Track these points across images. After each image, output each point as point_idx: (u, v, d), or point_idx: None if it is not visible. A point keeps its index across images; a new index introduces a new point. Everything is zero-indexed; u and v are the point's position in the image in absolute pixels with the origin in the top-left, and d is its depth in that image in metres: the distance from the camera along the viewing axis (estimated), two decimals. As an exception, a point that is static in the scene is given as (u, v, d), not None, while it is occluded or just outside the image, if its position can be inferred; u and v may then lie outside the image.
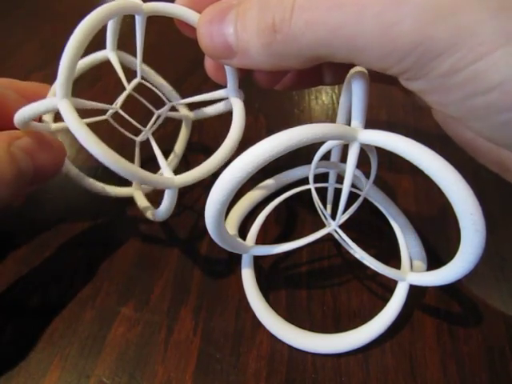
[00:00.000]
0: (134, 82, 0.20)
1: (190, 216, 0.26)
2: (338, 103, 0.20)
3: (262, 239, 0.24)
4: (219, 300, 0.22)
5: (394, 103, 0.34)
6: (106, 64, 0.24)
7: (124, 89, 0.20)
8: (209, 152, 0.21)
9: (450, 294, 0.22)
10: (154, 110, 0.22)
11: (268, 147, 0.14)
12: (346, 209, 0.19)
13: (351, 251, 0.20)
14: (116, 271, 0.23)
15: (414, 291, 0.20)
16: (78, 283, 0.22)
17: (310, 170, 0.20)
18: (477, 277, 0.22)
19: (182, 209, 0.26)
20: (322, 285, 0.22)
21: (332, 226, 0.20)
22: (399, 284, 0.20)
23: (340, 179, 0.24)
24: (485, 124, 0.13)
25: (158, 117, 0.22)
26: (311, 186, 0.20)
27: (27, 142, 0.18)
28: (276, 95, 0.36)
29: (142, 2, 0.18)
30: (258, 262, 0.23)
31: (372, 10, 0.11)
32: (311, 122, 0.24)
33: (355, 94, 0.17)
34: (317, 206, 0.21)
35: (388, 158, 0.28)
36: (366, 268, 0.20)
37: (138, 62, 0.20)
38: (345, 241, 0.20)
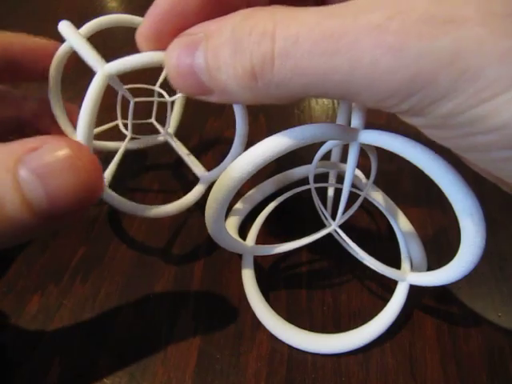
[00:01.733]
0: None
1: (191, 216, 0.26)
2: (338, 103, 0.20)
3: (262, 239, 0.24)
4: (219, 300, 0.22)
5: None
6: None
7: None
8: (210, 151, 0.21)
9: (450, 294, 0.22)
10: (166, 96, 0.22)
11: (268, 147, 0.14)
12: (346, 209, 0.19)
13: (351, 251, 0.20)
14: (116, 271, 0.23)
15: (414, 291, 0.20)
16: (78, 283, 0.22)
17: (310, 170, 0.20)
18: (477, 277, 0.22)
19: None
20: (322, 285, 0.22)
21: (332, 226, 0.20)
22: (399, 284, 0.20)
23: (340, 179, 0.24)
24: (484, 158, 0.12)
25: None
26: (311, 186, 0.20)
27: (44, 162, 0.12)
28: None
29: (101, 64, 0.17)
30: (258, 262, 0.23)
31: (369, 57, 0.11)
32: (311, 122, 0.25)
33: None
34: (317, 206, 0.21)
35: (388, 158, 0.28)
36: (366, 268, 0.20)
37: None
38: (345, 241, 0.20)
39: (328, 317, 0.21)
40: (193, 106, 0.27)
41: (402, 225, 0.23)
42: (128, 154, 0.27)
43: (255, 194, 0.25)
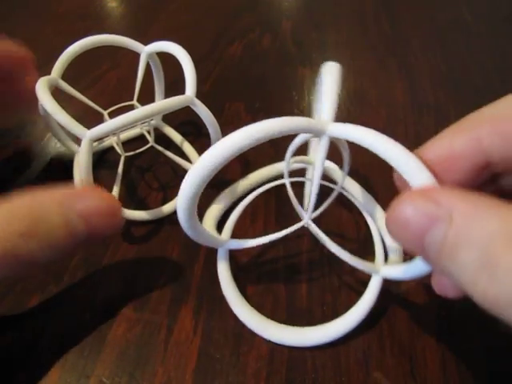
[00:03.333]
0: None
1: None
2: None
3: (242, 235, 0.24)
4: (219, 300, 0.21)
5: (394, 103, 0.34)
6: (106, 63, 0.24)
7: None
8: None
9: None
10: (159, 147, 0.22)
11: (236, 139, 0.14)
12: (321, 203, 0.19)
13: (325, 245, 0.20)
14: (116, 271, 0.23)
15: (414, 291, 0.20)
16: (78, 283, 0.22)
17: (284, 165, 0.20)
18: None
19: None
20: (321, 284, 0.22)
21: (304, 220, 0.20)
22: (373, 277, 0.20)
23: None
24: None
25: None
26: (286, 180, 0.20)
27: (85, 207, 0.17)
28: (276, 95, 0.36)
29: (84, 132, 0.20)
30: (258, 262, 0.23)
31: None
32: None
33: (325, 85, 0.17)
34: (292, 200, 0.21)
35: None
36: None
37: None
38: (318, 234, 0.19)
39: (328, 316, 0.21)
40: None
41: (379, 219, 0.23)
42: (127, 155, 0.27)
43: (235, 190, 0.25)
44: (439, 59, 0.39)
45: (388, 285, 0.22)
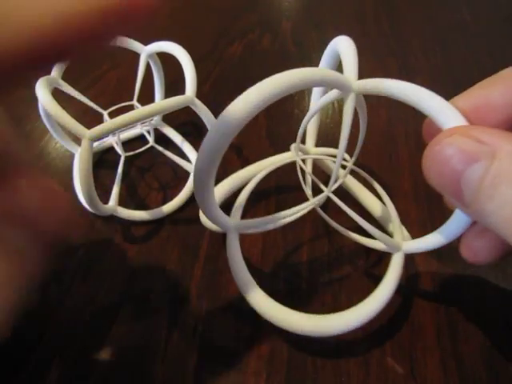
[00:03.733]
0: None
1: (190, 216, 0.26)
2: (338, 103, 0.20)
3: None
4: (219, 300, 0.22)
5: (393, 103, 0.33)
6: (106, 63, 0.24)
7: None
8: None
9: (450, 293, 0.22)
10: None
11: (265, 88, 0.12)
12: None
13: (338, 228, 0.20)
14: (116, 271, 0.23)
15: (414, 291, 0.20)
16: (78, 283, 0.22)
17: (296, 141, 0.19)
18: (477, 277, 0.22)
19: (181, 208, 0.26)
20: (321, 284, 0.22)
21: (325, 193, 0.19)
22: (394, 255, 0.19)
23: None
24: None
25: None
26: (297, 158, 0.20)
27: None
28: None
29: (84, 131, 0.19)
30: (258, 262, 0.23)
31: None
32: (305, 142, 0.25)
33: (345, 50, 0.17)
34: (300, 178, 0.20)
35: (388, 157, 0.28)
36: (367, 267, 0.20)
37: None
38: (341, 205, 0.19)
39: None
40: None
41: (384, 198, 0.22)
42: (127, 155, 0.27)
43: (243, 174, 0.24)
44: (439, 59, 0.39)
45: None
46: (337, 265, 0.23)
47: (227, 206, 0.22)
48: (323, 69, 0.13)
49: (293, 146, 0.21)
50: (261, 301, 0.18)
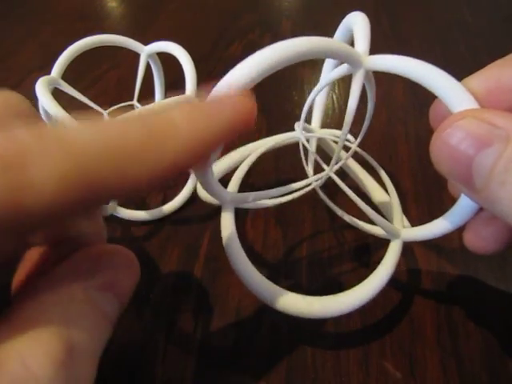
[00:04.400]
0: None
1: (190, 216, 0.26)
2: (338, 103, 0.19)
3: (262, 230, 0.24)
4: (219, 300, 0.22)
5: (393, 103, 0.34)
6: (106, 63, 0.24)
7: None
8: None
9: (450, 293, 0.22)
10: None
11: (278, 50, 0.12)
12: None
13: (337, 211, 0.19)
14: (116, 271, 0.23)
15: (414, 291, 0.20)
16: (78, 283, 0.22)
17: (301, 120, 0.18)
18: (477, 277, 0.22)
19: (181, 208, 0.26)
20: (322, 282, 0.22)
21: (326, 172, 0.19)
22: (392, 242, 0.18)
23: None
24: None
25: None
26: (300, 135, 0.19)
27: (107, 275, 0.12)
28: (276, 95, 0.36)
29: None
30: (258, 262, 0.23)
31: None
32: (311, 122, 0.25)
33: (358, 25, 0.16)
34: (303, 158, 0.20)
35: (388, 157, 0.28)
36: (367, 262, 0.20)
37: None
38: (341, 186, 0.18)
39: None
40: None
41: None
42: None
43: (246, 149, 0.23)
44: (439, 59, 0.39)
45: (387, 285, 0.22)
46: (337, 262, 0.23)
47: (226, 183, 0.21)
48: (334, 40, 0.13)
49: (297, 124, 0.20)
50: (252, 277, 0.17)
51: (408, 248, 0.23)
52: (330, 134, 0.25)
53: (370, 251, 0.23)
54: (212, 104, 0.10)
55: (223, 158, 0.23)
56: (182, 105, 0.10)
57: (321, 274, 0.23)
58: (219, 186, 0.17)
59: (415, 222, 0.24)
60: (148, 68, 0.28)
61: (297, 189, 0.19)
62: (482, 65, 0.13)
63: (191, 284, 0.22)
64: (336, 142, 0.23)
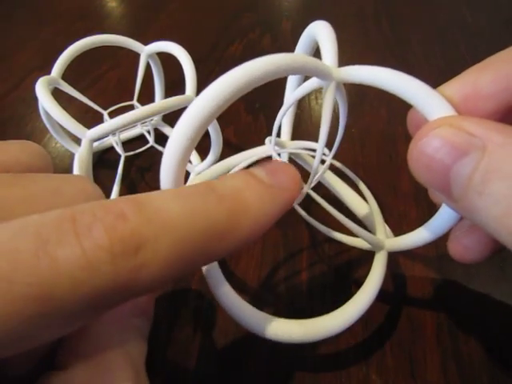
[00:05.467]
0: None
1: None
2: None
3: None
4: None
5: (393, 103, 0.34)
6: (106, 63, 0.24)
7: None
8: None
9: (450, 294, 0.22)
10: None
11: (242, 72, 0.11)
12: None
13: (320, 228, 0.19)
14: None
15: (414, 291, 0.20)
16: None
17: (273, 134, 0.18)
18: (477, 277, 0.22)
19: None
20: (322, 282, 0.22)
21: (304, 189, 0.18)
22: (377, 254, 0.18)
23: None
24: None
25: None
26: (272, 152, 0.19)
27: (140, 306, 0.15)
28: (276, 95, 0.36)
29: (84, 131, 0.19)
30: (258, 262, 0.23)
31: None
32: (311, 122, 0.25)
33: (323, 35, 0.15)
34: None
35: (388, 157, 0.28)
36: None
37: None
38: (320, 202, 0.18)
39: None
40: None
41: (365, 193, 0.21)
42: (126, 156, 0.27)
43: (228, 163, 0.22)
44: (439, 59, 0.39)
45: (387, 285, 0.22)
46: (337, 262, 0.23)
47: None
48: (301, 54, 0.13)
49: (268, 140, 0.20)
50: (232, 301, 0.17)
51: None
52: (301, 146, 0.24)
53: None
54: (275, 187, 0.12)
55: (189, 180, 0.22)
56: (252, 183, 0.11)
57: (321, 272, 0.23)
58: None
59: (415, 222, 0.24)
60: (148, 68, 0.28)
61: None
62: (482, 65, 0.12)
63: (191, 284, 0.22)
64: (312, 156, 0.23)
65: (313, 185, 0.18)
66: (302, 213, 0.19)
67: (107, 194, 0.25)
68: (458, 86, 0.13)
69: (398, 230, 0.20)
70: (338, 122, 0.16)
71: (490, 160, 0.10)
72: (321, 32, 0.16)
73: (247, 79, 0.11)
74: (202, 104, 0.11)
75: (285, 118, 0.24)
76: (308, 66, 0.12)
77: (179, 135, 0.11)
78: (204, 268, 0.18)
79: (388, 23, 0.46)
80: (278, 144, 0.23)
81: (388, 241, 0.18)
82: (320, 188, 0.23)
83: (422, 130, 0.12)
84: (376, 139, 0.30)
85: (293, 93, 0.17)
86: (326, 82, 0.14)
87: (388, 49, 0.41)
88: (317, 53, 0.16)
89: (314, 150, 0.22)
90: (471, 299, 0.21)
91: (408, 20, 0.46)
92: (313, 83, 0.15)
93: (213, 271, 0.18)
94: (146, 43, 0.27)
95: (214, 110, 0.11)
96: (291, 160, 0.24)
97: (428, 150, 0.12)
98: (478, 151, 0.11)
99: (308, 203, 0.20)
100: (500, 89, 0.12)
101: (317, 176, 0.18)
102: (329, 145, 0.16)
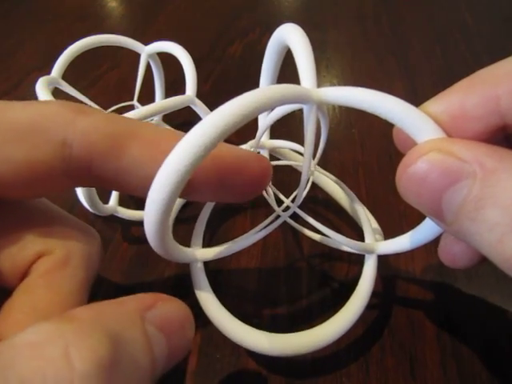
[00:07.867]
0: None
1: (190, 216, 0.26)
2: (338, 104, 0.18)
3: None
4: (219, 300, 0.21)
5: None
6: (106, 63, 0.24)
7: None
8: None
9: (450, 294, 0.22)
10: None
11: (206, 133, 0.10)
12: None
13: (310, 235, 0.19)
14: (116, 271, 0.23)
15: (414, 291, 0.20)
16: (78, 283, 0.22)
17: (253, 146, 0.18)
18: (477, 277, 0.22)
19: (181, 208, 0.26)
20: (322, 284, 0.22)
21: (292, 207, 0.18)
22: (367, 258, 0.18)
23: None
24: None
25: None
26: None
27: (165, 314, 0.12)
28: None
29: None
30: (258, 263, 0.23)
31: None
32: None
33: (299, 49, 0.14)
34: (264, 193, 0.19)
35: (388, 157, 0.28)
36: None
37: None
38: (308, 220, 0.18)
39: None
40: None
41: (354, 200, 0.21)
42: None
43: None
44: (439, 59, 0.39)
45: (387, 285, 0.22)
46: (338, 263, 0.23)
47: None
48: (277, 86, 0.11)
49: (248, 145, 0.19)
50: (227, 323, 0.18)
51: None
52: (281, 146, 0.23)
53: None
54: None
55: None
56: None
57: (322, 274, 0.23)
58: (181, 250, 0.17)
59: (416, 223, 0.24)
60: (148, 68, 0.28)
61: (266, 225, 0.19)
62: (483, 65, 0.12)
63: (191, 284, 0.22)
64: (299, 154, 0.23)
65: (300, 202, 0.18)
66: (295, 224, 0.19)
67: (107, 194, 0.25)
68: (445, 104, 0.13)
69: (398, 229, 0.20)
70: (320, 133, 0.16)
71: (482, 187, 0.10)
72: (293, 39, 0.15)
73: (220, 132, 0.10)
74: (169, 169, 0.10)
75: (262, 122, 0.22)
76: (287, 97, 0.12)
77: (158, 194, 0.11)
78: (191, 265, 0.19)
79: (388, 23, 0.46)
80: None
81: (378, 244, 0.18)
82: (318, 188, 0.23)
83: (411, 154, 0.12)
84: (376, 139, 0.30)
85: (269, 115, 0.16)
86: (306, 105, 0.13)
87: (388, 49, 0.41)
88: (288, 53, 0.16)
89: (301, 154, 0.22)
90: (471, 299, 0.21)
91: (408, 20, 0.46)
92: (292, 105, 0.15)
93: (196, 271, 0.19)
94: (146, 43, 0.27)
95: (183, 172, 0.10)
96: (272, 157, 0.24)
97: (417, 177, 0.11)
98: (469, 178, 0.10)
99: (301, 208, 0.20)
100: (487, 112, 0.12)
101: (303, 193, 0.18)
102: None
